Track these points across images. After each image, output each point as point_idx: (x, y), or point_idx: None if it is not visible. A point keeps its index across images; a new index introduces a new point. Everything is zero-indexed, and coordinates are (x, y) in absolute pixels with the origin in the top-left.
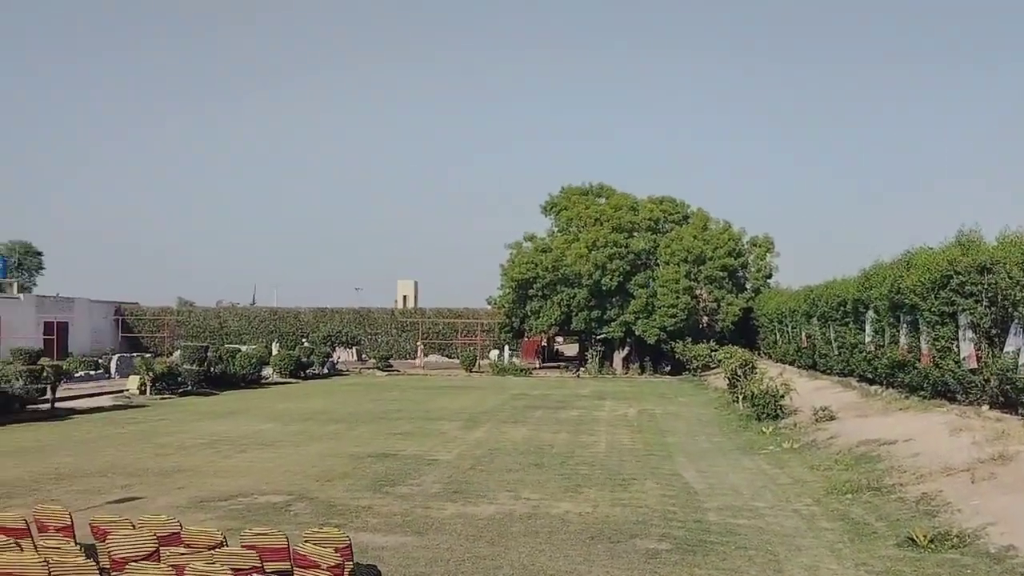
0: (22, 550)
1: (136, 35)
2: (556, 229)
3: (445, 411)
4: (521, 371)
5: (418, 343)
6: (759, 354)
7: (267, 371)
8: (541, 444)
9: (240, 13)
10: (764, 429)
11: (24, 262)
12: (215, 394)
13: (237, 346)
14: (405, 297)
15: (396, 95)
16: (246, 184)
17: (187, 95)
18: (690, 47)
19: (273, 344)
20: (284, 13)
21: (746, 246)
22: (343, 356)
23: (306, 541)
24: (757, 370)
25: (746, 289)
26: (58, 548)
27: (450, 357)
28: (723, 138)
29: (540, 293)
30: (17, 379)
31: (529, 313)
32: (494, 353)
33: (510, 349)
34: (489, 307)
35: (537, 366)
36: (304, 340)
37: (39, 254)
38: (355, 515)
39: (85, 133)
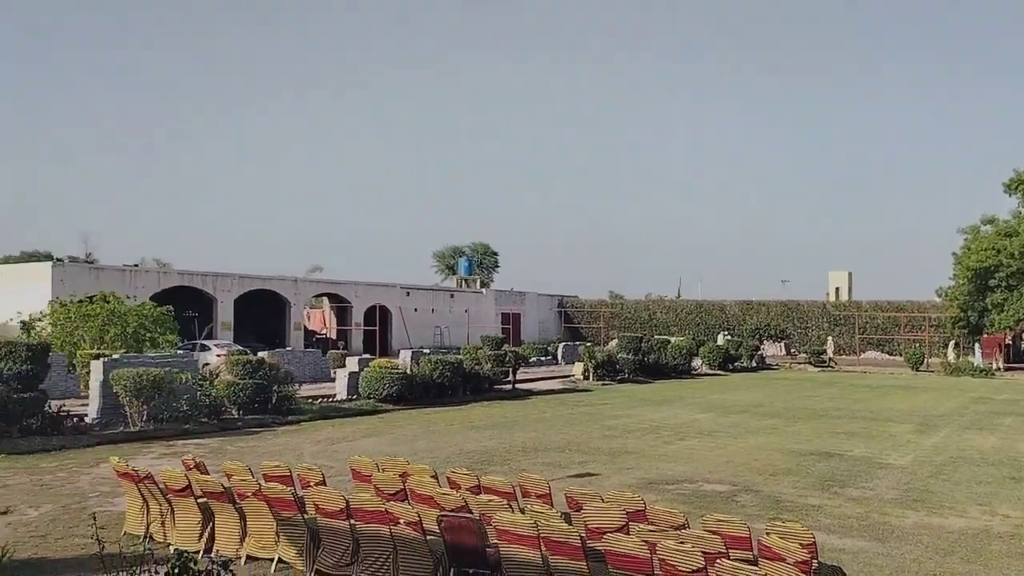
0: (512, 511)
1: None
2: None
3: (892, 412)
4: (980, 372)
5: (827, 338)
6: None
7: (696, 362)
8: (1017, 455)
9: None
10: None
11: (484, 261)
12: (649, 382)
13: (666, 337)
14: (838, 289)
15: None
16: (676, 180)
17: (628, 93)
18: None
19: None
20: None
21: None
22: (771, 350)
23: (769, 533)
24: None
25: None
26: (542, 513)
27: (890, 354)
28: None
29: (1004, 284)
30: (486, 362)
31: (990, 306)
32: (950, 351)
33: (964, 346)
34: (938, 299)
35: (1000, 367)
36: (725, 333)
37: (495, 254)
38: (805, 513)
39: (545, 149)
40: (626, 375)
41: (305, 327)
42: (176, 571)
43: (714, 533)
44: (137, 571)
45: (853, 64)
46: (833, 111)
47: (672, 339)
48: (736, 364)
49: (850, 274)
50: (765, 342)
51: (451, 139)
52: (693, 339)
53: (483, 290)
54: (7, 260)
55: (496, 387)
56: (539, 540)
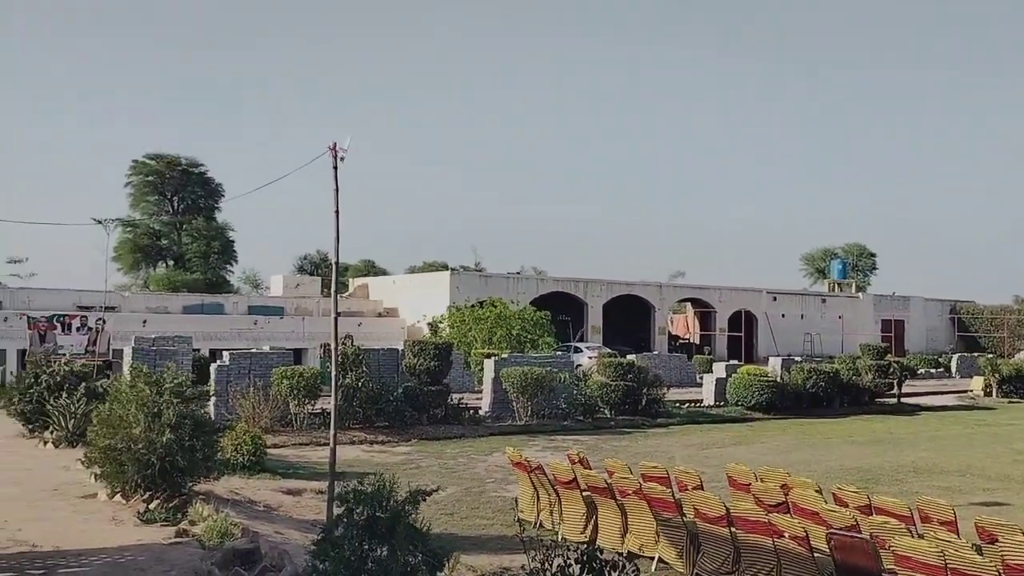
0: (911, 536)
1: None
2: None
3: None
4: None
5: None
6: None
7: None
8: None
9: None
10: None
11: (859, 263)
12: None
13: None
14: None
15: None
16: None
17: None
18: None
19: None
20: None
21: None
22: None
23: None
24: None
25: None
26: (949, 542)
27: None
28: None
29: None
30: (866, 373)
31: None
32: None
33: None
34: None
35: None
36: None
37: (872, 255)
38: None
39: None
40: None
41: (669, 332)
42: (585, 559)
43: None
44: (551, 556)
45: None
46: None
47: None
48: None
49: None
50: None
51: (824, 130)
52: None
53: (859, 295)
54: (412, 270)
55: (877, 400)
56: (946, 571)
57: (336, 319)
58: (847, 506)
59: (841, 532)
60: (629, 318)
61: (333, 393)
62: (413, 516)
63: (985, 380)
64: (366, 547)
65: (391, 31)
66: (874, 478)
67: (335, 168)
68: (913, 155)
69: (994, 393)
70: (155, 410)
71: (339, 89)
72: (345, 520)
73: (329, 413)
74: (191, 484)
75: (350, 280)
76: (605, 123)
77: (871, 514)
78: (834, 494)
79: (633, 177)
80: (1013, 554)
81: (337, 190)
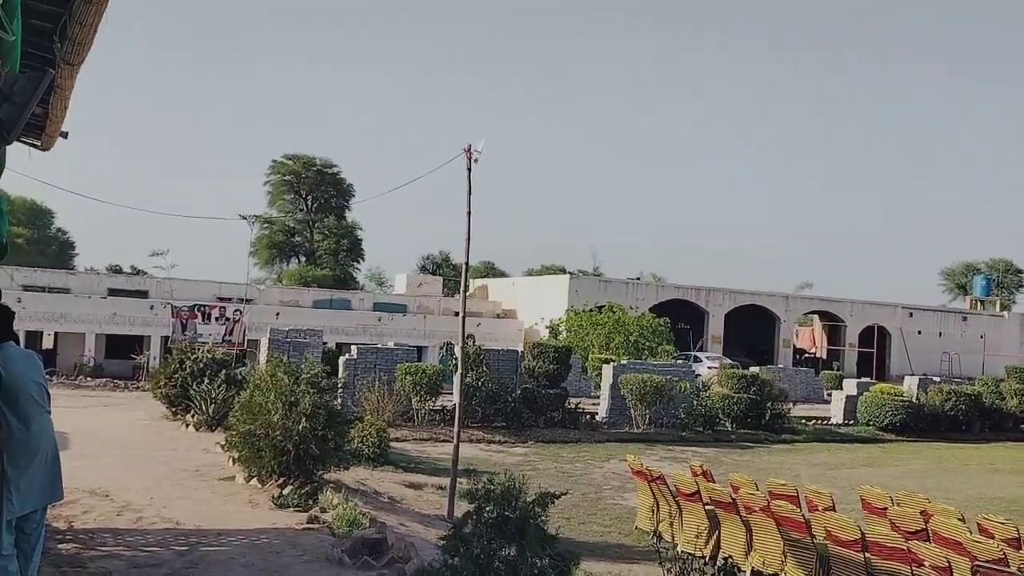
0: None
1: None
2: None
3: None
4: None
5: None
6: None
7: None
8: None
9: None
10: None
11: (1004, 280)
12: None
13: None
14: None
15: None
16: None
17: None
18: None
19: None
20: None
21: None
22: None
23: None
24: None
25: None
26: None
27: None
28: None
29: None
30: (1011, 397)
31: None
32: None
33: None
34: None
35: None
36: None
37: (1020, 271)
38: None
39: None
40: None
41: (794, 345)
42: (723, 575)
43: None
44: (688, 570)
45: None
46: None
47: None
48: None
49: None
50: None
51: (969, 138)
52: None
53: (1004, 313)
54: (531, 272)
55: (1022, 426)
56: None
57: (464, 318)
58: (993, 537)
59: (988, 565)
60: (751, 329)
61: (457, 391)
62: (542, 518)
63: None
64: (494, 546)
65: (529, 30)
66: (1020, 509)
67: (469, 170)
68: None
69: None
70: (292, 399)
71: (472, 87)
72: (475, 517)
73: (449, 410)
74: (322, 472)
75: (471, 281)
76: (731, 130)
77: (1020, 548)
78: (979, 524)
79: (758, 184)
80: None
81: (470, 192)
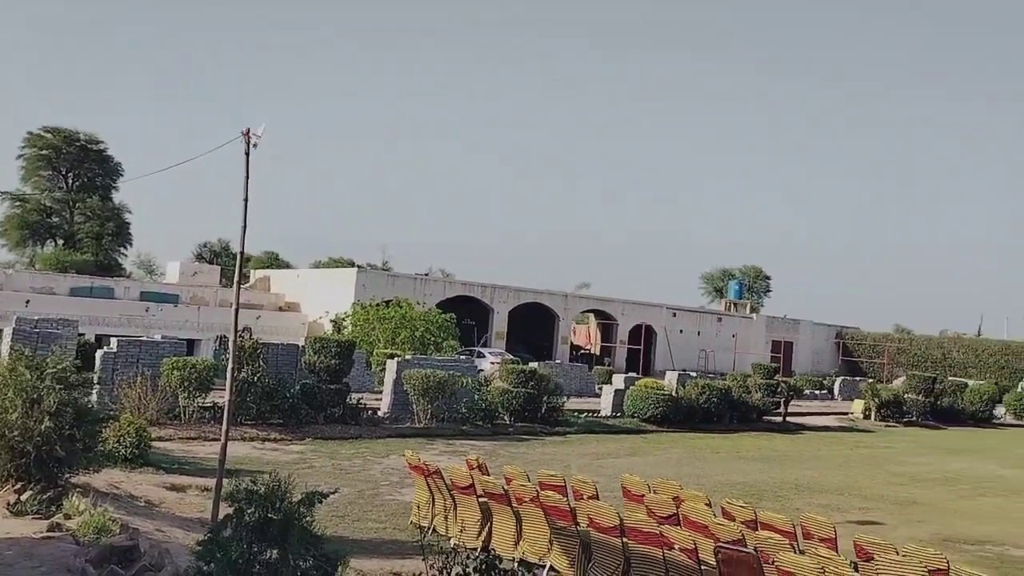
0: (794, 552)
1: None
2: None
3: None
4: None
5: None
6: None
7: (999, 410)
8: None
9: None
10: None
11: (755, 285)
12: (940, 428)
13: (963, 380)
14: None
15: None
16: (978, 202)
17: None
18: None
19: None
20: None
21: None
22: None
23: None
24: None
25: None
26: (828, 559)
27: None
28: None
29: None
30: (756, 391)
31: None
32: None
33: None
34: None
35: None
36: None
37: (768, 278)
38: None
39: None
40: (913, 418)
41: (571, 342)
42: (484, 567)
43: None
44: (451, 563)
45: None
46: None
47: (970, 382)
48: None
49: None
50: None
51: (727, 156)
52: (996, 384)
53: (753, 315)
54: (318, 265)
55: (765, 418)
56: None
57: (237, 310)
58: (735, 520)
59: (728, 546)
60: (533, 326)
61: (228, 386)
62: (308, 519)
63: (865, 404)
64: (255, 549)
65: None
66: (759, 493)
67: (247, 154)
68: (813, 185)
69: (872, 417)
70: (35, 396)
71: (258, 78)
72: (235, 520)
73: (221, 407)
74: (68, 476)
75: (252, 271)
76: (522, 134)
77: (757, 529)
78: (723, 508)
79: (546, 185)
80: (888, 572)
81: (248, 178)
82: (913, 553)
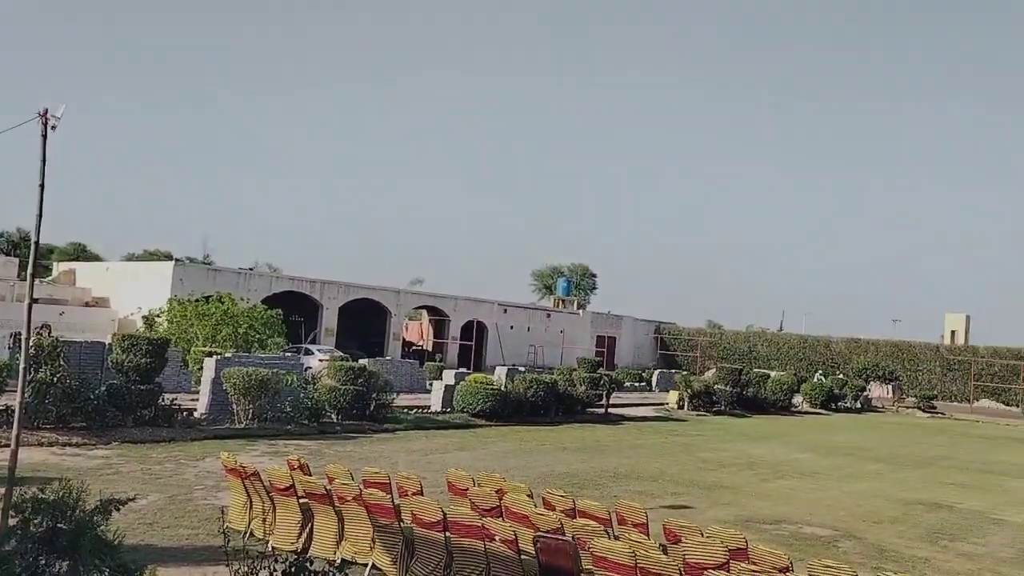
0: (608, 538)
1: None
2: None
3: (1008, 465)
4: None
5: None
6: None
7: (797, 399)
8: None
9: None
10: None
11: (582, 283)
12: (746, 416)
13: (766, 371)
14: (954, 332)
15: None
16: (783, 208)
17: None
18: None
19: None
20: None
21: None
22: (876, 391)
23: None
24: None
25: None
26: (640, 543)
27: (1007, 404)
28: None
29: None
30: (580, 384)
31: None
32: None
33: None
34: None
35: None
36: (820, 372)
37: (594, 276)
38: (912, 565)
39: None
40: (722, 407)
41: (403, 338)
42: (293, 570)
43: None
44: (258, 568)
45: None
46: (971, 149)
47: (772, 373)
48: (840, 404)
49: (968, 317)
50: (871, 383)
51: (559, 159)
52: (795, 375)
53: (579, 311)
54: (131, 257)
55: (589, 410)
56: (636, 570)
57: (30, 305)
58: (554, 509)
59: (546, 535)
60: (365, 322)
61: (20, 387)
62: (103, 527)
63: (679, 394)
64: (43, 562)
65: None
66: (580, 483)
67: (44, 137)
68: (628, 186)
69: (686, 407)
70: None
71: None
72: (20, 532)
73: (12, 411)
74: None
75: (55, 264)
76: (356, 122)
77: (575, 517)
78: (543, 498)
79: (384, 178)
80: (693, 553)
81: (44, 162)
82: (716, 534)
